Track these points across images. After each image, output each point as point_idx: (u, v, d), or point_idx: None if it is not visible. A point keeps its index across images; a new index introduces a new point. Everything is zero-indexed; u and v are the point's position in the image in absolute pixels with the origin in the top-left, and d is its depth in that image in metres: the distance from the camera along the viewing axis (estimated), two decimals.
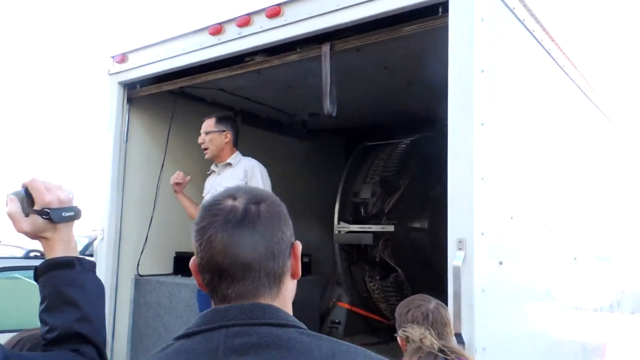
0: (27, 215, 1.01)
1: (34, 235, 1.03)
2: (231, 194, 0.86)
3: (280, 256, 0.83)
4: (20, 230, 1.01)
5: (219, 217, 0.82)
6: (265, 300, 0.82)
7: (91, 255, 3.92)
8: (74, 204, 1.06)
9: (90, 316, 1.01)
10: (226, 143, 3.23)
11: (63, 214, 1.03)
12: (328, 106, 2.53)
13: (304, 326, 0.82)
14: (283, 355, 0.75)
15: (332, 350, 0.78)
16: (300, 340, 0.77)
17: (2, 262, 4.26)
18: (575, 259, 3.16)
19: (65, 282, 1.00)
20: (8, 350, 0.93)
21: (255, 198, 0.85)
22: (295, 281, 0.91)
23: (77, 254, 1.05)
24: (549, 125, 2.80)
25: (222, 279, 0.81)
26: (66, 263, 1.02)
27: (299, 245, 0.88)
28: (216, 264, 0.81)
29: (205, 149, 3.23)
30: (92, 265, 1.07)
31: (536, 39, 2.52)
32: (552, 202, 2.81)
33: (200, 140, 3.22)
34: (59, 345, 0.97)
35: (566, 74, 3.01)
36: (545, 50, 2.66)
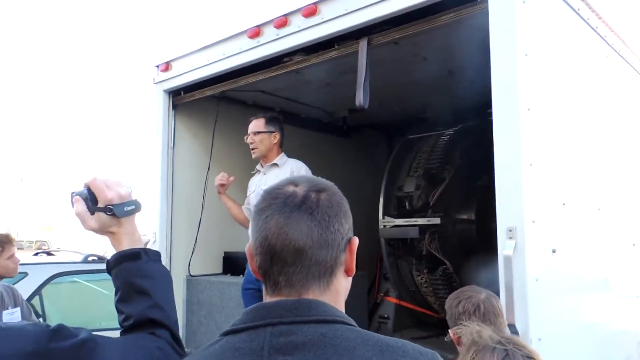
0: (92, 213, 1.07)
1: (101, 231, 1.09)
2: (293, 181, 0.86)
3: (334, 247, 0.82)
4: (88, 228, 1.08)
5: (278, 200, 0.82)
6: (314, 292, 0.81)
7: None
8: (134, 198, 1.11)
9: (161, 302, 1.07)
10: (275, 144, 3.31)
11: (125, 209, 1.08)
12: (361, 99, 2.53)
13: (352, 322, 0.80)
14: (328, 353, 0.73)
15: (379, 346, 0.76)
16: (346, 337, 0.76)
17: (63, 267, 4.49)
18: (634, 244, 3.03)
19: (134, 273, 1.06)
20: (94, 335, 0.99)
21: (317, 187, 0.85)
22: (350, 279, 0.89)
23: (142, 245, 1.11)
24: (599, 107, 2.69)
25: (273, 262, 0.81)
26: (133, 255, 1.07)
27: (356, 241, 0.87)
28: (269, 245, 0.80)
29: (254, 149, 3.29)
30: (158, 255, 1.12)
31: (582, 18, 2.43)
32: (606, 186, 2.70)
33: (249, 140, 3.29)
34: (135, 331, 1.03)
35: (616, 52, 2.88)
36: (593, 28, 2.55)
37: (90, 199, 1.07)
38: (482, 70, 2.07)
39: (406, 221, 3.93)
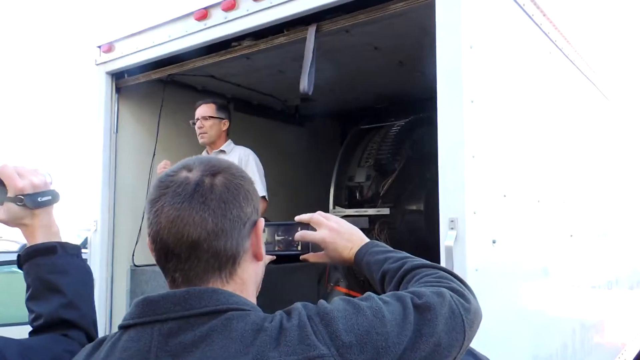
0: (1, 203, 0.97)
1: (12, 223, 1.00)
2: (187, 164, 0.79)
3: (233, 235, 0.76)
4: None
5: (169, 190, 0.75)
6: (215, 285, 0.76)
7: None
8: (52, 188, 1.02)
9: (76, 301, 0.99)
10: (223, 131, 3.30)
11: (39, 199, 0.99)
12: (305, 85, 2.49)
13: (249, 306, 0.75)
14: (215, 349, 0.69)
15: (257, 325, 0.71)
16: (235, 328, 0.71)
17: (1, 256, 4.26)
18: (571, 236, 3.15)
19: (48, 268, 0.98)
20: None
21: (212, 169, 0.78)
22: (261, 263, 0.84)
23: (59, 239, 1.03)
24: (542, 102, 2.76)
25: (168, 259, 0.76)
26: (48, 249, 0.99)
27: (261, 223, 0.82)
28: (162, 241, 0.75)
29: (203, 134, 3.24)
30: (77, 250, 1.04)
31: (527, 14, 2.47)
32: (547, 179, 2.78)
33: (198, 125, 3.24)
34: (46, 332, 0.96)
35: (559, 49, 2.96)
36: (537, 25, 2.61)
37: (0, 188, 0.97)
38: (432, 62, 2.07)
39: (356, 211, 3.95)
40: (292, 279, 3.65)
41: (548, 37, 2.76)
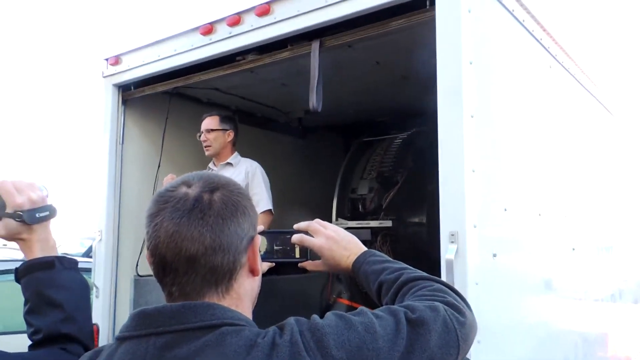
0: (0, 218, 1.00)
1: (9, 237, 1.02)
2: (187, 180, 0.81)
3: (231, 250, 0.77)
4: None
5: (168, 205, 0.77)
6: (211, 299, 0.77)
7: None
8: (49, 202, 1.04)
9: (74, 315, 1.01)
10: (228, 142, 3.34)
11: (37, 215, 1.01)
12: (314, 102, 2.53)
13: (243, 322, 0.76)
14: None
15: (248, 343, 0.72)
16: (229, 343, 0.72)
17: (3, 265, 4.29)
18: (573, 249, 3.15)
19: (46, 283, 1.00)
20: None
21: (210, 185, 0.80)
22: (257, 278, 0.86)
23: (56, 253, 1.05)
24: (543, 116, 2.78)
25: (166, 272, 0.77)
26: (45, 264, 1.01)
27: (257, 240, 0.83)
28: (160, 255, 0.77)
29: (208, 147, 3.29)
30: (74, 264, 1.06)
31: (526, 29, 2.51)
32: (548, 193, 2.80)
33: (203, 138, 3.29)
34: (45, 346, 0.97)
35: (560, 63, 2.99)
36: (537, 40, 2.64)
37: None
38: (434, 76, 2.10)
39: (359, 223, 3.96)
40: (295, 289, 3.66)
41: (548, 51, 2.80)
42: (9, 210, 0.99)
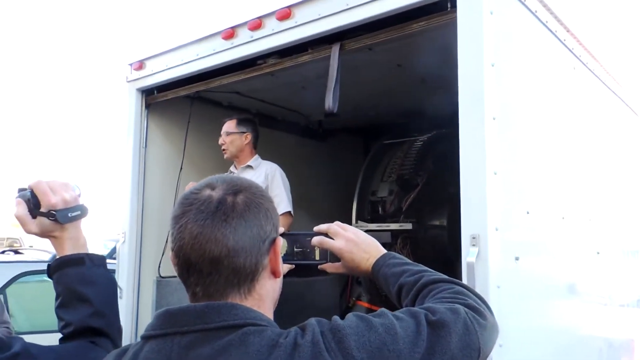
0: (34, 217, 1.04)
1: (42, 235, 1.07)
2: (210, 183, 0.83)
3: (253, 252, 0.79)
4: (28, 232, 1.06)
5: (192, 207, 0.79)
6: (234, 300, 0.78)
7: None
8: (81, 202, 1.09)
9: (103, 310, 1.05)
10: (246, 144, 3.36)
11: (69, 215, 1.06)
12: (330, 103, 2.54)
13: (265, 322, 0.77)
14: None
15: (270, 343, 0.73)
16: (252, 342, 0.73)
17: (29, 265, 4.40)
18: (598, 253, 3.09)
19: (76, 279, 1.04)
20: (27, 343, 0.97)
21: (234, 188, 0.81)
22: (279, 280, 0.87)
23: (86, 250, 1.09)
24: (566, 117, 2.75)
25: (190, 273, 0.79)
26: (76, 260, 1.06)
27: (279, 241, 0.85)
28: (184, 256, 0.78)
29: (225, 150, 3.32)
30: (102, 261, 1.10)
31: (550, 30, 2.48)
32: (572, 196, 2.76)
33: (220, 141, 3.33)
34: (75, 339, 1.01)
35: (584, 64, 2.95)
36: (560, 41, 2.61)
37: (33, 202, 1.04)
38: (455, 78, 2.10)
39: (379, 226, 3.95)
40: (315, 291, 3.67)
41: (572, 52, 2.76)
42: (43, 209, 1.04)
